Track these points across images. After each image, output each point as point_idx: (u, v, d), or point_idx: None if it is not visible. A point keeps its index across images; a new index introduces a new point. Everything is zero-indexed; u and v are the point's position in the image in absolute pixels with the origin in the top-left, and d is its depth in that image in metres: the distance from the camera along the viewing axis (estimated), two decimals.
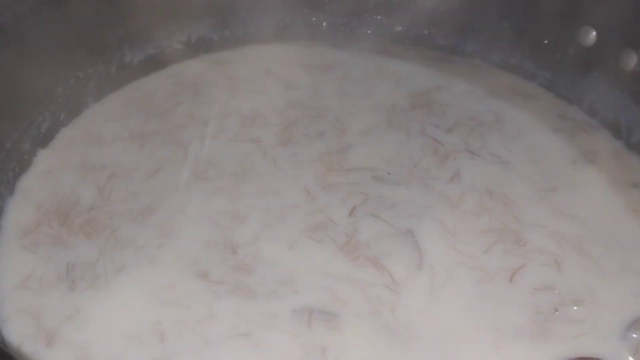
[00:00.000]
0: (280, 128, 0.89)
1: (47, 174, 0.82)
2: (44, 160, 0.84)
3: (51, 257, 0.72)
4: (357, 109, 0.93)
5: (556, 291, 0.70)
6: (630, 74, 0.86)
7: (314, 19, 1.07)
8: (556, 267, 0.72)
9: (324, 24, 1.08)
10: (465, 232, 0.75)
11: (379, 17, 1.07)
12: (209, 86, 0.96)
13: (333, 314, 0.67)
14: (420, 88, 0.96)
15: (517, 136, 0.89)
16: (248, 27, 1.05)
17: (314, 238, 0.74)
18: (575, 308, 0.68)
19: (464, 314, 0.68)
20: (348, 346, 0.65)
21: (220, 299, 0.68)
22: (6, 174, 0.79)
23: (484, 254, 0.73)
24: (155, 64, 0.99)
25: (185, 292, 0.69)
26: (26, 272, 0.71)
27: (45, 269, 0.71)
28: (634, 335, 0.65)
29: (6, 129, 0.81)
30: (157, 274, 0.70)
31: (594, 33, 0.90)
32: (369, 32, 1.08)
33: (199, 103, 0.93)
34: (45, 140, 0.86)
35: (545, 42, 0.97)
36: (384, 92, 0.96)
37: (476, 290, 0.70)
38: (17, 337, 0.65)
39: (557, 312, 0.68)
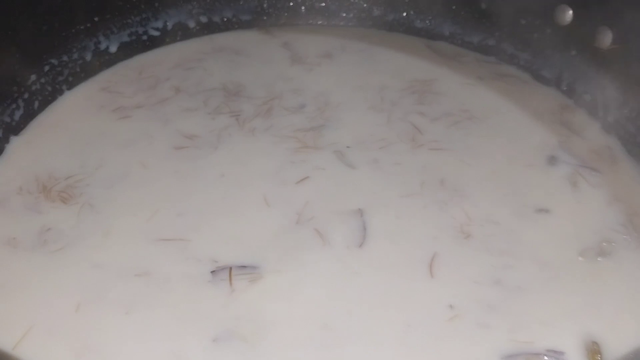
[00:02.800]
0: (262, 101, 0.91)
1: (26, 146, 0.84)
2: (18, 142, 0.84)
3: (26, 220, 0.74)
4: (344, 87, 0.94)
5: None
6: (606, 52, 0.85)
7: (291, 3, 1.07)
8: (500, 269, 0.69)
9: (302, 8, 1.07)
10: (413, 221, 0.74)
11: (356, 1, 1.07)
12: (192, 66, 0.97)
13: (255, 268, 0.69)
14: (415, 76, 0.96)
15: (498, 128, 0.87)
16: (225, 12, 1.05)
17: (269, 204, 0.76)
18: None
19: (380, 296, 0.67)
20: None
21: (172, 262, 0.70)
22: None
23: (422, 243, 0.71)
24: (130, 50, 0.99)
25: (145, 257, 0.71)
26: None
27: (19, 231, 0.73)
28: None
29: None
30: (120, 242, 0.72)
31: (571, 12, 0.89)
32: (351, 15, 1.08)
33: (184, 82, 0.95)
34: (18, 127, 0.85)
35: (523, 22, 0.96)
36: (376, 76, 0.96)
37: (403, 280, 0.68)
38: None
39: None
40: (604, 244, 0.72)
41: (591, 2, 0.85)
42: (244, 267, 0.68)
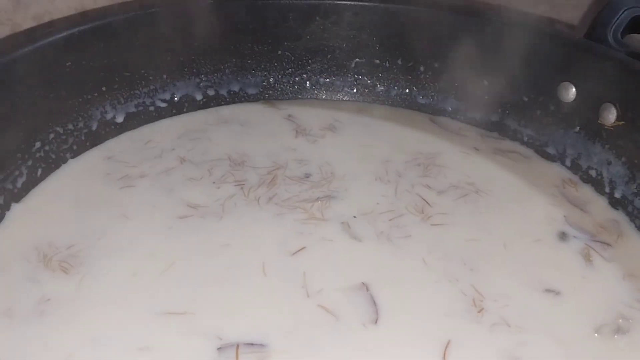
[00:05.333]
0: (267, 170, 0.91)
1: (27, 214, 0.82)
2: (19, 209, 0.83)
3: (24, 290, 0.71)
4: (349, 158, 0.94)
5: None
6: (610, 129, 0.86)
7: (297, 78, 1.08)
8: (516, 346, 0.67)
9: (307, 83, 1.09)
10: (424, 297, 0.72)
11: (360, 77, 1.08)
12: (198, 136, 0.98)
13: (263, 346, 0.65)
14: (419, 149, 0.97)
15: (505, 203, 0.87)
16: (232, 86, 1.06)
17: (275, 277, 0.74)
18: None
19: None
20: None
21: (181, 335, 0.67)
22: None
23: (435, 320, 0.69)
24: (137, 120, 0.99)
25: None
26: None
27: (16, 301, 0.70)
28: None
29: None
30: (123, 314, 0.69)
31: (574, 89, 0.91)
32: (354, 90, 1.09)
33: (190, 151, 0.95)
34: (20, 194, 0.84)
35: (526, 99, 0.98)
36: (380, 148, 0.97)
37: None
38: None
39: None
40: (620, 320, 0.70)
41: (594, 79, 0.87)
42: (251, 344, 0.66)
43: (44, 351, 0.65)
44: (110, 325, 0.68)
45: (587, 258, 0.78)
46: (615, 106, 0.84)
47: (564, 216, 0.85)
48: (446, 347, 0.66)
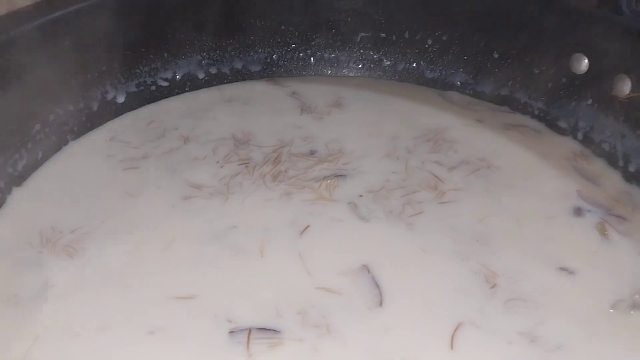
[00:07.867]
0: (272, 149, 0.89)
1: (29, 198, 0.81)
2: (20, 193, 0.81)
3: (28, 276, 0.70)
4: (356, 135, 0.92)
5: None
6: (625, 101, 0.83)
7: (300, 54, 1.06)
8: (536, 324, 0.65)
9: (312, 59, 1.06)
10: (433, 276, 0.70)
11: (366, 52, 1.06)
12: (201, 116, 0.96)
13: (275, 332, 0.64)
14: (427, 124, 0.95)
15: (517, 178, 0.85)
16: (235, 63, 1.03)
17: (284, 259, 0.72)
18: None
19: None
20: None
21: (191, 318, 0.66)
22: None
23: (445, 300, 0.68)
24: (138, 100, 0.97)
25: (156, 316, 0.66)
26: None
27: (21, 287, 0.69)
28: None
29: None
30: (130, 298, 0.68)
31: (586, 60, 0.88)
32: (360, 66, 1.07)
33: (193, 131, 0.93)
34: (21, 178, 0.82)
35: (536, 71, 0.95)
36: (388, 124, 0.95)
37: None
38: None
39: None
40: (637, 296, 0.69)
41: (608, 50, 0.84)
42: (263, 329, 0.64)
43: (51, 339, 0.63)
44: (116, 309, 0.66)
45: (603, 232, 0.76)
46: (629, 77, 0.82)
47: (577, 190, 0.83)
48: (456, 329, 0.65)
